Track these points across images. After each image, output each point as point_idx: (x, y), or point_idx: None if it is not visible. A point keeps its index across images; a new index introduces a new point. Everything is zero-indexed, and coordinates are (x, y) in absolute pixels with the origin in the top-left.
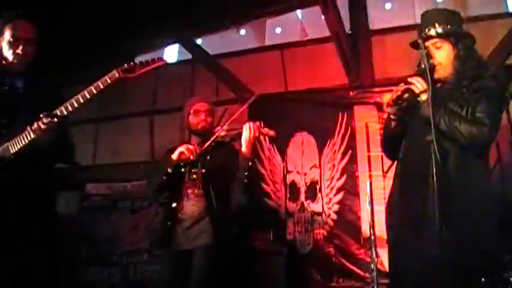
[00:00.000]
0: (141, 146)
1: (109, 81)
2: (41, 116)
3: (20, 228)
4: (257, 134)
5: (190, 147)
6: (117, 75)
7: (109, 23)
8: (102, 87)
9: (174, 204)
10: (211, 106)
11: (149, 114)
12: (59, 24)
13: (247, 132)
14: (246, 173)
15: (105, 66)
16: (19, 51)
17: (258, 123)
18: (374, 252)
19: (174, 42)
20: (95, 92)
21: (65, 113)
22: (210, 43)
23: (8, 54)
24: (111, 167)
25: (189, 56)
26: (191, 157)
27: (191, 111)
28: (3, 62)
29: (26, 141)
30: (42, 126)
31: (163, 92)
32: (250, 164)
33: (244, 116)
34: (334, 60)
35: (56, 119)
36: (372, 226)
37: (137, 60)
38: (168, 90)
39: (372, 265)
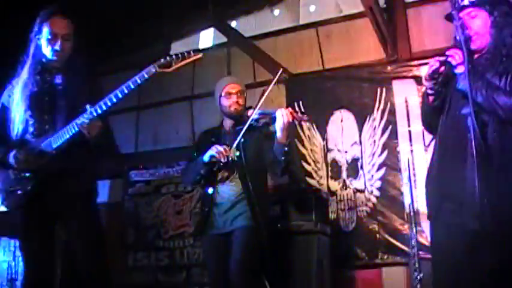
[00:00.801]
0: (181, 132)
1: (146, 77)
2: (86, 109)
3: (64, 219)
4: (291, 120)
5: (221, 149)
6: (154, 70)
7: (144, 10)
8: (139, 82)
9: (210, 190)
10: (242, 87)
11: (188, 99)
12: (94, 12)
13: (281, 118)
14: (283, 158)
15: (142, 53)
16: (57, 47)
17: (291, 109)
18: (414, 227)
19: (209, 27)
20: (132, 87)
21: (104, 108)
22: (245, 25)
23: (47, 51)
24: (153, 153)
25: (225, 39)
26: (222, 160)
27: (222, 94)
28: (43, 59)
29: (68, 136)
30: (85, 121)
31: (201, 77)
32: (286, 149)
33: (282, 96)
34: (370, 35)
35: (96, 114)
36: (412, 201)
37: (173, 47)
38: (205, 75)
39: (413, 241)
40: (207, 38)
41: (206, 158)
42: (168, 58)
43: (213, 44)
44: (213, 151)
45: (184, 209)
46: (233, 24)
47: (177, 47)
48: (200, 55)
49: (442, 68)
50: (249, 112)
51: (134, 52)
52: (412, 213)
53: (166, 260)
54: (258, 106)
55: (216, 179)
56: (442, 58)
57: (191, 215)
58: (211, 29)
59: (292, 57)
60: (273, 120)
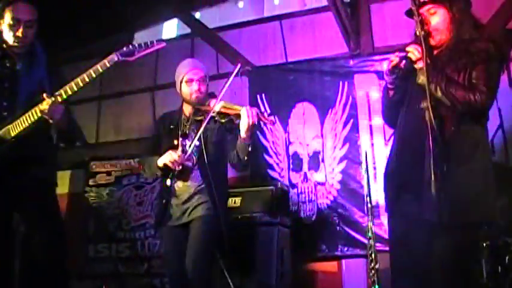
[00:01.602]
0: (143, 122)
1: (108, 65)
2: (44, 97)
3: (23, 208)
4: (256, 121)
5: (176, 157)
6: (116, 58)
7: None
8: (101, 70)
9: (168, 181)
10: (205, 72)
11: (150, 90)
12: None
13: (246, 119)
14: (246, 157)
15: (105, 42)
16: (19, 33)
17: (257, 109)
18: (372, 219)
19: (172, 17)
20: (94, 75)
21: (64, 96)
22: (209, 17)
23: (9, 37)
24: (115, 144)
25: (188, 30)
26: (176, 169)
27: (183, 80)
28: (4, 45)
29: (28, 123)
30: (46, 107)
31: (164, 67)
32: (249, 149)
33: (245, 88)
34: (333, 29)
35: (58, 101)
36: (369, 194)
37: (137, 36)
38: (168, 65)
39: (369, 233)
40: (171, 28)
41: (160, 163)
42: (130, 47)
43: (176, 35)
44: (166, 159)
45: (146, 200)
46: (197, 15)
47: (140, 37)
48: (163, 44)
49: (403, 63)
50: (212, 103)
51: (96, 41)
52: (369, 205)
53: (127, 251)
54: (219, 98)
55: (174, 172)
56: (402, 53)
57: (152, 206)
58: (175, 20)
59: (256, 49)
60: (237, 117)
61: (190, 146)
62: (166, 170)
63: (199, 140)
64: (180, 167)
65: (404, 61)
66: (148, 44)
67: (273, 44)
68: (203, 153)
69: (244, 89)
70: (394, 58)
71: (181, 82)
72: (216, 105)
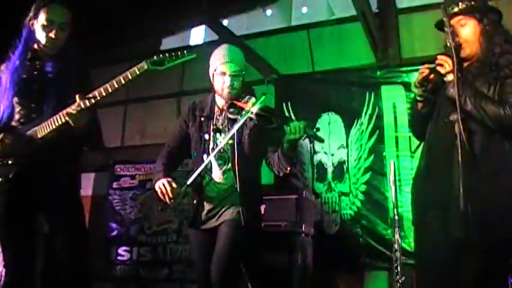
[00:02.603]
0: (169, 127)
1: (138, 73)
2: (77, 100)
3: (47, 209)
4: (302, 136)
5: (168, 190)
6: (146, 67)
7: (137, 4)
8: (130, 77)
9: (200, 181)
10: (241, 66)
11: (177, 95)
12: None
13: (292, 134)
14: (288, 167)
15: (133, 47)
16: (52, 35)
17: (303, 126)
18: (397, 232)
19: (200, 24)
20: (123, 82)
21: (93, 101)
22: (237, 24)
23: (41, 37)
24: (140, 148)
25: (216, 37)
26: (167, 201)
27: (215, 72)
28: (36, 46)
29: (55, 125)
30: (74, 112)
31: (191, 74)
32: (294, 161)
33: (271, 96)
34: (361, 39)
35: (85, 106)
36: (396, 206)
37: (164, 42)
38: (195, 72)
39: (395, 245)
40: (198, 35)
41: (156, 187)
42: (161, 56)
43: (204, 42)
44: (158, 189)
45: (169, 205)
46: (225, 22)
47: (168, 43)
48: (193, 55)
49: (432, 76)
50: (248, 101)
51: (124, 46)
52: (396, 217)
53: (148, 256)
54: (259, 101)
55: (207, 170)
56: (431, 65)
57: (175, 211)
58: (203, 27)
59: (283, 58)
60: (281, 128)
61: (223, 143)
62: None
63: (232, 139)
64: (171, 202)
65: (433, 74)
66: (179, 54)
67: (300, 53)
68: (236, 154)
69: (270, 97)
70: (424, 70)
71: (214, 74)
72: (254, 108)
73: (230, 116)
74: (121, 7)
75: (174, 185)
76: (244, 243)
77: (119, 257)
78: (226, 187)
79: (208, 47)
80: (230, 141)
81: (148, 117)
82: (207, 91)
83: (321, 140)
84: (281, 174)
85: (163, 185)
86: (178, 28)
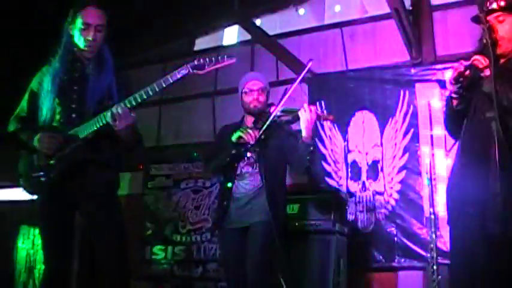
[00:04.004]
0: (203, 127)
1: (178, 76)
2: (117, 101)
3: (85, 209)
4: (315, 119)
5: (250, 131)
6: (186, 71)
7: (170, 5)
8: (171, 81)
9: (229, 184)
10: (265, 84)
11: (211, 95)
12: (120, 5)
13: (304, 116)
14: (308, 157)
15: (166, 48)
16: (89, 37)
17: (316, 106)
18: (434, 231)
19: (233, 24)
20: (164, 85)
21: (134, 103)
22: (270, 23)
23: (80, 41)
24: (174, 148)
25: (249, 37)
26: (250, 142)
27: (244, 90)
28: (75, 48)
29: (96, 126)
30: (119, 112)
31: (224, 73)
32: (311, 149)
33: (304, 95)
34: (394, 37)
35: (126, 108)
36: (432, 205)
37: (197, 42)
38: (228, 72)
39: (432, 244)
40: (231, 35)
41: (234, 138)
42: (201, 60)
43: (237, 41)
44: (241, 132)
45: (203, 204)
46: (258, 22)
47: (200, 43)
48: (233, 60)
49: (468, 72)
50: (271, 109)
51: (157, 47)
52: (432, 216)
53: (183, 254)
54: (281, 103)
55: (235, 172)
56: (467, 62)
57: (209, 211)
58: (236, 27)
59: (316, 56)
60: (297, 118)
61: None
62: (238, 148)
63: (259, 145)
64: (253, 141)
65: (469, 70)
66: (219, 58)
67: (334, 51)
68: (263, 158)
69: (304, 96)
70: (459, 67)
71: (242, 92)
72: (276, 110)
73: (258, 126)
74: (154, 8)
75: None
76: (275, 243)
77: (153, 256)
78: (254, 189)
79: (241, 47)
80: (257, 149)
81: (182, 117)
82: None
83: (332, 119)
84: (302, 171)
85: (244, 131)
86: (211, 28)
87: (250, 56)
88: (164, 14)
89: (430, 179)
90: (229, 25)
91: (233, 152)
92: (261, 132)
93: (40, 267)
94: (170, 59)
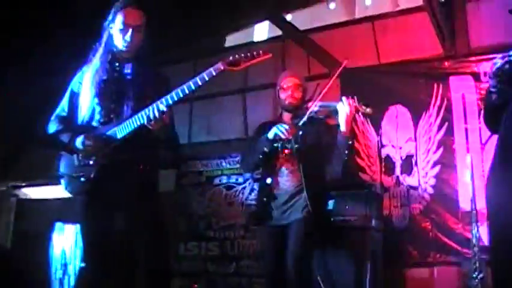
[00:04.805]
0: (234, 124)
1: (214, 73)
2: (158, 103)
3: (125, 208)
4: (354, 112)
5: (286, 127)
6: (222, 67)
7: (199, 2)
8: (207, 78)
9: (268, 181)
10: (301, 81)
11: (241, 91)
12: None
13: (343, 110)
14: (346, 152)
15: (197, 45)
16: (128, 38)
17: (354, 100)
18: (476, 226)
19: (264, 19)
20: (200, 83)
21: (170, 102)
22: (300, 18)
23: (119, 41)
24: (206, 144)
25: (279, 33)
26: (285, 137)
27: (280, 87)
28: (114, 48)
29: (135, 126)
30: (155, 114)
31: (255, 70)
32: (350, 143)
33: (337, 90)
34: (427, 30)
35: (164, 107)
36: (473, 200)
37: (228, 39)
38: (259, 68)
39: (474, 240)
40: (262, 31)
41: (270, 135)
42: (236, 56)
43: (267, 37)
44: (276, 129)
45: (236, 201)
46: (288, 17)
47: (231, 40)
48: (269, 55)
49: (507, 66)
50: (308, 104)
51: (188, 44)
52: (474, 211)
53: (216, 250)
54: (318, 98)
55: (275, 169)
56: (506, 55)
57: (243, 207)
58: (266, 22)
59: (348, 51)
60: (334, 112)
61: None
62: (273, 145)
63: (298, 142)
64: (290, 136)
65: (508, 64)
66: (254, 54)
67: (365, 45)
68: (301, 154)
69: (336, 91)
70: (498, 60)
71: (278, 89)
72: (313, 106)
73: (295, 122)
74: (185, 5)
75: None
76: (315, 240)
77: (187, 252)
78: (294, 185)
79: (272, 43)
80: (296, 145)
81: (213, 113)
82: (271, 86)
83: (371, 113)
84: (340, 166)
85: (280, 125)
86: (241, 25)
87: (281, 52)
88: (194, 11)
89: (472, 174)
90: (259, 21)
91: (265, 149)
92: (298, 128)
93: (75, 263)
94: (201, 56)
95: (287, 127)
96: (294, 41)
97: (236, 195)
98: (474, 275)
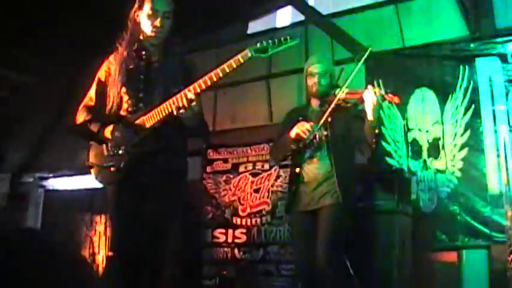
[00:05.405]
0: (259, 111)
1: (242, 61)
2: (186, 91)
3: (156, 199)
4: (380, 101)
5: (306, 126)
6: (249, 54)
7: None
8: (234, 66)
9: (297, 169)
10: (327, 66)
11: (265, 78)
12: None
13: (370, 98)
14: (374, 140)
15: (219, 33)
16: (157, 23)
17: (381, 89)
18: (509, 209)
19: (286, 5)
20: (227, 70)
21: (198, 90)
22: (323, 3)
23: (146, 27)
24: (231, 132)
25: (302, 18)
26: (307, 137)
27: (307, 73)
28: (141, 36)
29: (163, 114)
30: (184, 102)
31: (278, 56)
32: (377, 131)
33: (361, 74)
34: (452, 11)
35: (192, 94)
36: (508, 183)
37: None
38: (282, 54)
39: (508, 223)
40: (285, 17)
41: (292, 134)
42: (264, 43)
43: (290, 23)
44: (298, 128)
45: (262, 187)
46: (311, 2)
47: (254, 27)
48: (297, 40)
49: None
50: (336, 91)
51: (210, 32)
52: (507, 195)
53: (243, 237)
54: (345, 85)
55: (303, 157)
56: None
57: (269, 193)
58: (289, 8)
59: (371, 34)
60: (362, 99)
61: (316, 130)
62: (297, 143)
63: (326, 129)
64: (311, 137)
65: None
66: (282, 40)
67: (389, 29)
68: (330, 141)
69: (361, 76)
70: None
71: (305, 77)
72: (341, 92)
73: (323, 109)
74: None
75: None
76: (346, 225)
77: (214, 240)
78: (323, 172)
79: (294, 28)
80: (325, 132)
81: (238, 101)
82: (295, 72)
83: (398, 102)
84: (369, 153)
85: (302, 124)
86: (264, 11)
87: (304, 37)
88: None
89: (505, 157)
90: (282, 6)
91: (292, 147)
92: (326, 115)
93: (103, 253)
94: (224, 44)
95: (309, 127)
96: (317, 26)
97: (262, 182)
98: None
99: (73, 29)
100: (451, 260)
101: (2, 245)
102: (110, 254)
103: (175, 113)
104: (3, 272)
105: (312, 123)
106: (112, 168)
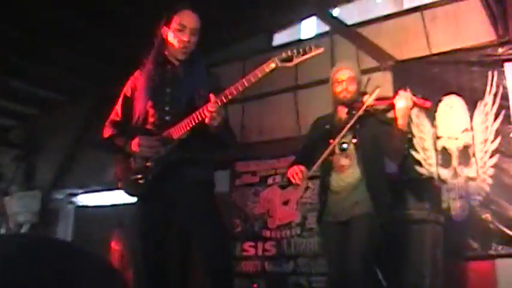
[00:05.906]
0: (286, 122)
1: (267, 71)
2: (211, 100)
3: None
4: (411, 106)
5: (297, 171)
6: (274, 65)
7: (247, 1)
8: (260, 76)
9: (327, 178)
10: (354, 73)
11: (292, 90)
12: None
13: (400, 104)
14: (404, 146)
15: (245, 45)
16: (185, 38)
17: (411, 93)
18: None
19: (310, 16)
20: (253, 80)
21: (225, 100)
22: (347, 13)
23: (174, 41)
24: (258, 144)
25: (327, 28)
26: (295, 183)
27: (334, 80)
28: (166, 52)
29: (190, 125)
30: (209, 114)
31: (305, 67)
32: (408, 137)
33: (388, 83)
34: (478, 16)
35: (219, 104)
36: None
37: (276, 37)
38: (309, 65)
39: None
40: (310, 28)
41: (288, 172)
42: (289, 52)
43: (315, 34)
44: (289, 172)
45: (291, 200)
46: (335, 12)
47: (279, 38)
48: (321, 50)
49: None
50: (364, 98)
51: (235, 44)
52: None
53: (273, 250)
54: (375, 93)
55: (332, 165)
56: None
57: (298, 205)
58: (313, 18)
59: (397, 43)
60: (391, 106)
61: (341, 139)
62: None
63: (355, 136)
64: (300, 183)
65: None
66: (307, 49)
67: (415, 36)
68: (360, 149)
69: (388, 84)
70: None
71: (332, 83)
72: (369, 99)
73: (350, 116)
74: (227, 4)
75: (302, 168)
76: (378, 235)
77: (244, 253)
78: (353, 182)
79: (319, 39)
80: (354, 140)
81: (265, 113)
82: (322, 83)
83: (429, 107)
84: (399, 161)
85: (294, 169)
86: (288, 22)
87: (330, 47)
88: (243, 10)
89: None
90: (306, 17)
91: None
92: (352, 122)
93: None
94: (249, 56)
95: (298, 171)
96: (342, 35)
97: (291, 194)
98: None
99: (101, 46)
100: (485, 269)
101: (38, 255)
102: (136, 268)
103: (206, 121)
104: (38, 280)
105: (304, 168)
106: (140, 181)
